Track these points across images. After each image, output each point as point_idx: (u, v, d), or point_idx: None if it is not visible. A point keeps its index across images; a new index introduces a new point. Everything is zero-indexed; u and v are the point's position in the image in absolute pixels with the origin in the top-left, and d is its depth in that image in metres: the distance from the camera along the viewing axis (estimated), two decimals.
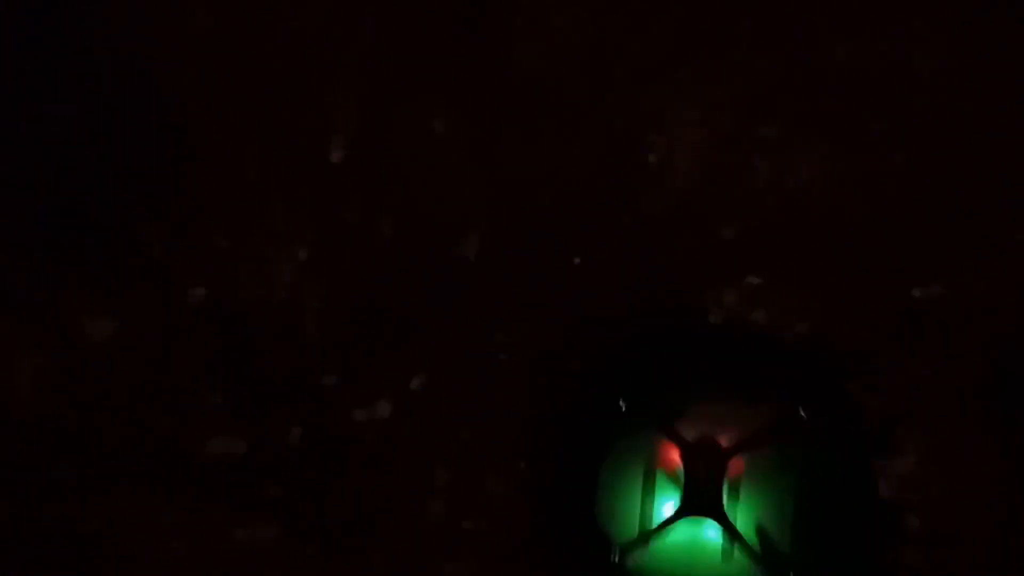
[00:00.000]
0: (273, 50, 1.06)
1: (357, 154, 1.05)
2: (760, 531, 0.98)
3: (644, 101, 1.05)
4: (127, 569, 1.03)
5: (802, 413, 0.97)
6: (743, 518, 0.97)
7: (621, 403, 0.98)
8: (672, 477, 0.99)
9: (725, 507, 0.97)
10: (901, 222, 1.02)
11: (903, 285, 1.03)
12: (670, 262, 1.02)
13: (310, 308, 1.04)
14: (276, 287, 1.04)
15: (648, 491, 0.99)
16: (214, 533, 1.03)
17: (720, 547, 0.98)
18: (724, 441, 0.98)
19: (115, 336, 1.03)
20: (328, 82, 1.05)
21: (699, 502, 0.97)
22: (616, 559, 0.97)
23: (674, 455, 0.99)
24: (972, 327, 1.01)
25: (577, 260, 1.02)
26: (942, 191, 1.04)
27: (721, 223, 1.02)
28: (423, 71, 1.05)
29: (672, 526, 0.98)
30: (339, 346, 1.03)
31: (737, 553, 0.98)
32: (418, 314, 1.03)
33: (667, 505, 0.98)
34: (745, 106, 1.04)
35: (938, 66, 1.03)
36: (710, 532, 0.98)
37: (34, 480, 1.04)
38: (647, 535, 0.97)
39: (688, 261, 1.03)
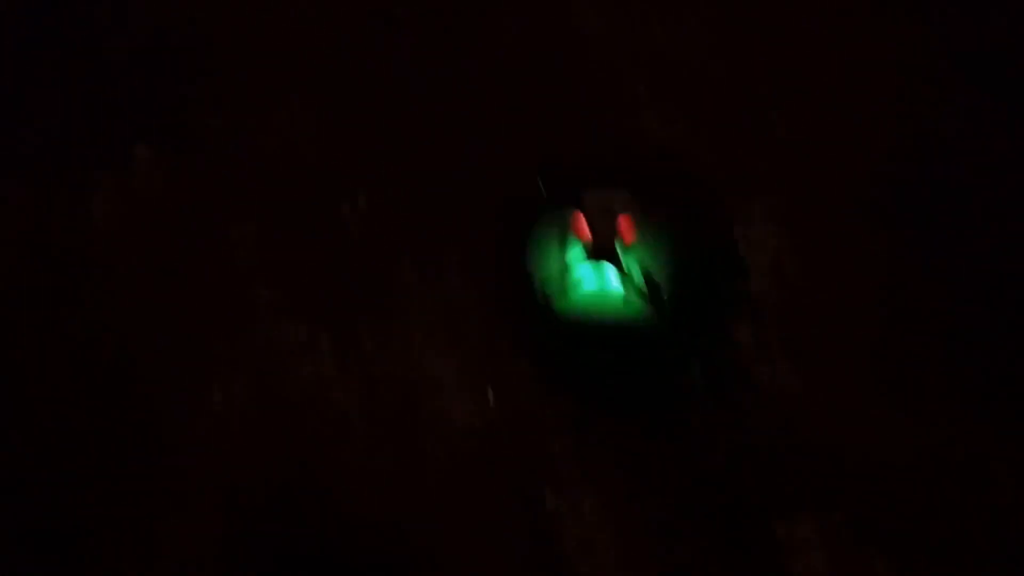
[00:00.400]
0: None
1: None
2: (646, 276, 1.28)
3: None
4: None
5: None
6: (632, 266, 1.27)
7: (540, 185, 1.29)
8: (581, 238, 1.29)
9: (619, 256, 1.27)
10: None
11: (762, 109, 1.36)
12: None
13: None
14: None
15: (564, 250, 1.29)
16: None
17: (621, 295, 1.28)
18: (618, 207, 1.28)
19: None
20: None
21: (600, 252, 1.27)
22: (543, 302, 1.27)
23: (581, 220, 1.28)
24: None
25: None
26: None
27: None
28: None
29: (583, 280, 1.27)
30: None
31: (632, 296, 1.27)
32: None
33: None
34: None
35: None
36: (613, 283, 1.28)
37: None
38: (563, 278, 1.27)
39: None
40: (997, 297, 1.26)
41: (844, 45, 1.40)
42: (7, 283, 1.30)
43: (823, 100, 1.37)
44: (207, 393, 1.23)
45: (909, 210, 1.31)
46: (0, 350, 1.27)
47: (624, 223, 1.27)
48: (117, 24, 1.45)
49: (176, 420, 1.22)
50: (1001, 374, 1.23)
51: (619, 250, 1.27)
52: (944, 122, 1.35)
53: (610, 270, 1.28)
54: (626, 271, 1.27)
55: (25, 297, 1.30)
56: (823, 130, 1.35)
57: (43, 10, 1.44)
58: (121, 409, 1.23)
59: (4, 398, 1.24)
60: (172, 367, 1.25)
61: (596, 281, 1.28)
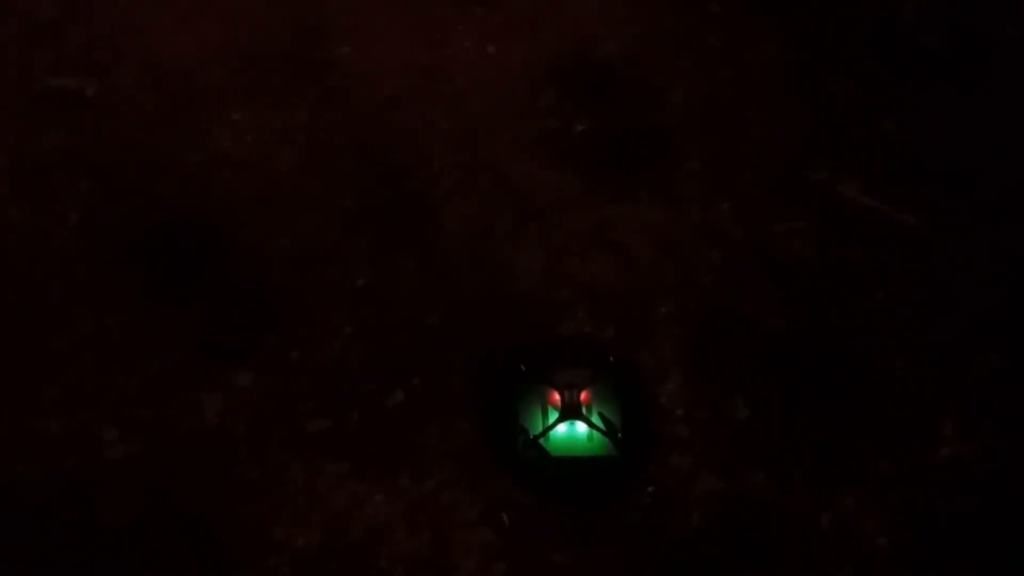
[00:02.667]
0: None
1: None
2: (604, 422, 1.86)
3: None
4: None
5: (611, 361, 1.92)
6: (594, 417, 1.86)
7: (521, 367, 1.91)
8: (554, 405, 1.88)
9: (584, 414, 1.86)
10: None
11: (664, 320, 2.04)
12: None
13: None
14: None
15: (543, 413, 1.87)
16: None
17: (585, 435, 1.85)
18: (579, 381, 1.90)
19: None
20: None
21: (570, 413, 1.86)
22: (526, 444, 1.83)
23: (554, 393, 1.89)
24: None
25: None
26: None
27: None
28: None
29: (557, 427, 1.85)
30: None
31: (595, 436, 1.85)
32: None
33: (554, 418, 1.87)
34: None
35: None
36: (579, 429, 1.86)
37: None
38: (543, 431, 1.84)
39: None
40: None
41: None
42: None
43: (712, 287, 2.05)
44: None
45: (802, 360, 1.96)
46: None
47: (585, 392, 1.88)
48: None
49: None
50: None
51: (583, 409, 1.87)
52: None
53: (577, 422, 1.86)
54: (589, 421, 1.86)
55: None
56: (712, 312, 2.02)
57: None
58: None
59: None
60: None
61: (568, 429, 1.86)
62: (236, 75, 2.29)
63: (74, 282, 1.99)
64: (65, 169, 2.12)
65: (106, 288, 1.99)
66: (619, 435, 1.86)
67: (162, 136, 2.19)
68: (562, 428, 1.86)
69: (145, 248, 2.04)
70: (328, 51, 2.37)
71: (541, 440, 1.85)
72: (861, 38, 2.41)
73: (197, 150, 2.18)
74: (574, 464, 1.83)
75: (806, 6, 2.47)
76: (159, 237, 2.06)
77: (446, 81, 2.34)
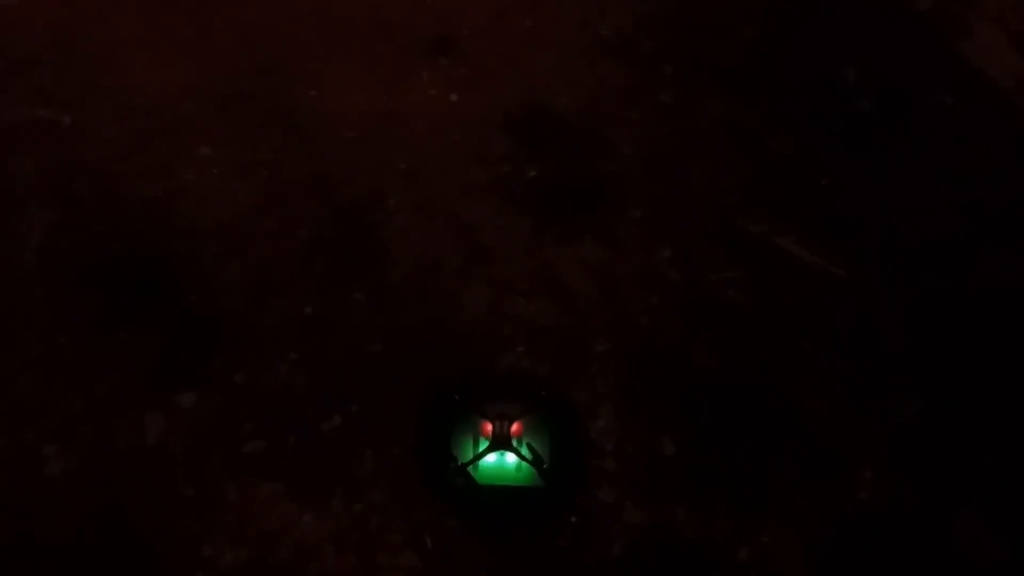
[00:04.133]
0: None
1: None
2: (533, 453, 1.91)
3: None
4: None
5: (543, 396, 1.98)
6: (523, 449, 1.92)
7: (455, 397, 1.97)
8: (486, 435, 1.94)
9: (514, 445, 1.92)
10: None
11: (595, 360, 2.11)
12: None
13: None
14: None
15: (474, 442, 1.93)
16: None
17: (514, 465, 1.91)
18: (511, 413, 1.96)
19: None
20: None
21: (499, 443, 1.92)
22: (455, 471, 1.88)
23: (486, 423, 1.94)
24: None
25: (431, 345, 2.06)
26: None
27: None
28: None
29: (486, 456, 1.90)
30: None
31: (523, 467, 1.90)
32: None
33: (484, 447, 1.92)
34: None
35: None
36: (508, 459, 1.91)
37: None
38: (473, 459, 1.89)
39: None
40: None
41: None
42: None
43: (648, 329, 2.12)
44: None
45: (730, 400, 2.02)
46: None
47: (516, 424, 1.94)
48: None
49: None
50: None
51: (513, 440, 1.93)
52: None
53: (507, 453, 1.91)
54: (518, 452, 1.91)
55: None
56: (645, 352, 2.09)
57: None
58: None
59: None
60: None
61: (497, 458, 1.91)
62: (206, 113, 2.40)
63: (30, 303, 2.06)
64: (33, 194, 2.21)
65: (61, 309, 2.06)
66: (546, 466, 1.91)
67: (130, 167, 2.29)
68: (492, 458, 1.91)
69: (102, 272, 2.12)
70: (296, 94, 2.48)
71: (470, 468, 1.90)
72: (803, 100, 2.53)
73: (162, 181, 2.28)
74: (501, 492, 1.88)
75: (754, 70, 2.61)
76: (117, 262, 2.14)
77: (407, 125, 2.46)
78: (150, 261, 2.16)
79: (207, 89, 2.43)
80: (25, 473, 1.86)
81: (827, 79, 2.58)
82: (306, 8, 2.60)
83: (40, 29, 2.44)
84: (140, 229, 2.21)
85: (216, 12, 2.55)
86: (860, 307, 2.17)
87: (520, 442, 1.94)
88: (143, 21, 2.49)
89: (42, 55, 2.41)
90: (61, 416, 1.93)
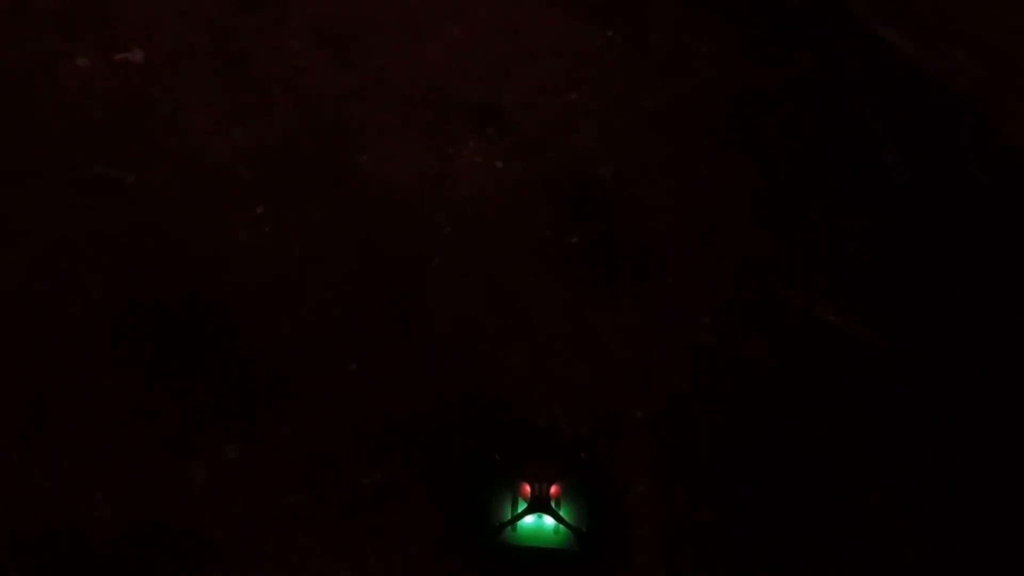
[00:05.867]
0: None
1: None
2: (572, 517, 1.92)
3: None
4: None
5: (583, 458, 2.00)
6: (562, 512, 1.93)
7: (495, 456, 1.99)
8: (524, 496, 1.96)
9: (552, 507, 1.93)
10: None
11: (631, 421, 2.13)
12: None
13: None
14: None
15: (512, 503, 1.94)
16: None
17: (552, 528, 1.92)
18: (550, 475, 1.97)
19: None
20: None
21: (538, 505, 1.93)
22: (493, 531, 1.89)
23: (525, 485, 1.96)
24: None
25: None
26: None
27: None
28: None
29: (525, 518, 1.92)
30: None
31: (561, 529, 1.91)
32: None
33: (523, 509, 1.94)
34: None
35: None
36: (547, 521, 1.92)
37: None
38: (511, 519, 1.91)
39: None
40: None
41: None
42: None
43: (686, 395, 2.14)
44: None
45: (767, 469, 2.02)
46: None
47: (555, 486, 1.96)
48: None
49: None
50: None
51: (552, 502, 1.94)
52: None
53: (545, 515, 1.93)
54: (557, 515, 1.93)
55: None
56: (683, 418, 2.11)
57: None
58: None
59: None
60: None
61: (535, 520, 1.93)
62: (262, 175, 2.51)
63: (85, 350, 2.14)
64: (95, 248, 2.32)
65: (114, 358, 2.13)
66: (584, 531, 1.91)
67: (187, 224, 2.39)
68: (530, 519, 1.93)
69: (155, 324, 2.20)
70: (348, 158, 2.58)
71: (508, 529, 1.91)
72: (842, 175, 2.58)
73: (217, 237, 2.37)
74: (538, 554, 1.89)
75: (793, 146, 2.66)
76: (170, 314, 2.22)
77: (453, 190, 2.54)
78: (201, 314, 2.24)
79: (265, 153, 2.54)
80: (75, 517, 1.92)
81: (866, 156, 2.62)
82: (361, 79, 2.72)
83: (115, 93, 2.58)
84: (194, 283, 2.29)
85: (278, 81, 2.68)
86: (898, 381, 2.17)
87: (559, 504, 1.95)
88: (209, 88, 2.63)
89: (114, 118, 2.54)
90: (110, 463, 1.99)
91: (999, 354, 2.24)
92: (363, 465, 2.01)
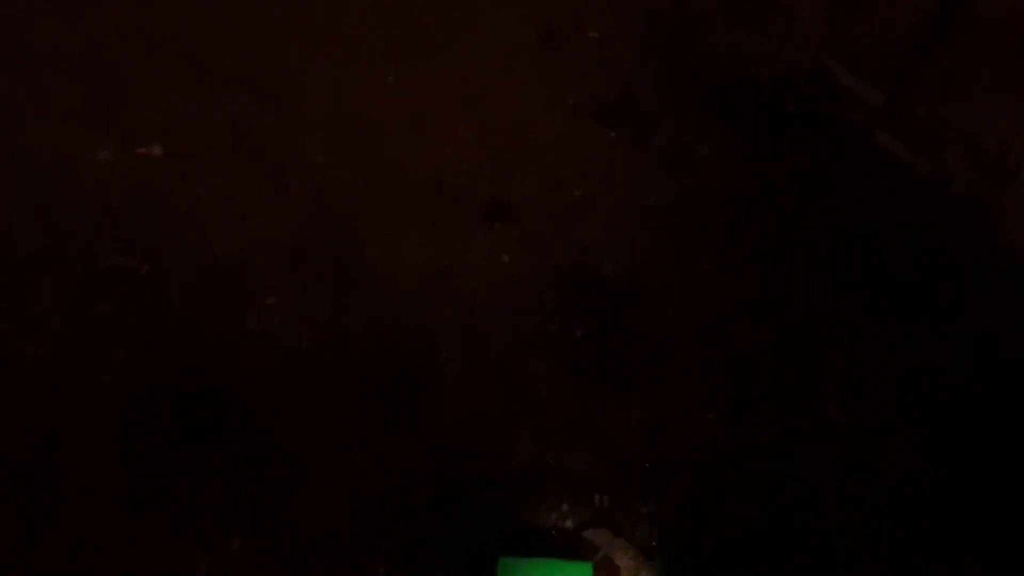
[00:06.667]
0: None
1: None
2: None
3: None
4: None
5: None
6: None
7: (500, 558, 1.98)
8: None
9: None
10: None
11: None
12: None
13: None
14: None
15: None
16: None
17: None
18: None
19: None
20: None
21: None
22: None
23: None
24: None
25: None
26: None
27: None
28: None
29: None
30: None
31: None
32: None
33: None
34: None
35: None
36: None
37: None
38: None
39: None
40: None
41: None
42: None
43: (691, 486, 2.14)
44: None
45: (769, 554, 2.01)
46: None
47: None
48: None
49: None
50: None
51: None
52: None
53: None
54: None
55: None
56: (689, 509, 2.10)
57: None
58: None
59: None
60: None
61: None
62: (274, 265, 2.56)
63: (96, 436, 2.15)
64: (108, 336, 2.35)
65: (124, 445, 2.14)
66: None
67: (198, 313, 2.43)
68: None
69: (165, 411, 2.21)
70: (359, 250, 2.64)
71: None
72: (842, 271, 2.64)
73: (228, 328, 2.41)
74: None
75: (793, 240, 2.73)
76: (180, 402, 2.24)
77: (461, 283, 2.59)
78: (210, 404, 2.26)
79: (277, 243, 2.60)
80: None
81: (864, 252, 2.68)
82: (373, 173, 2.81)
83: (134, 186, 2.66)
84: (203, 373, 2.32)
85: (292, 174, 2.76)
86: (898, 472, 2.18)
87: None
88: (225, 181, 2.71)
89: (132, 209, 2.61)
90: (117, 548, 1.98)
91: (999, 443, 2.26)
92: (367, 556, 1.99)
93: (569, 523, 2.09)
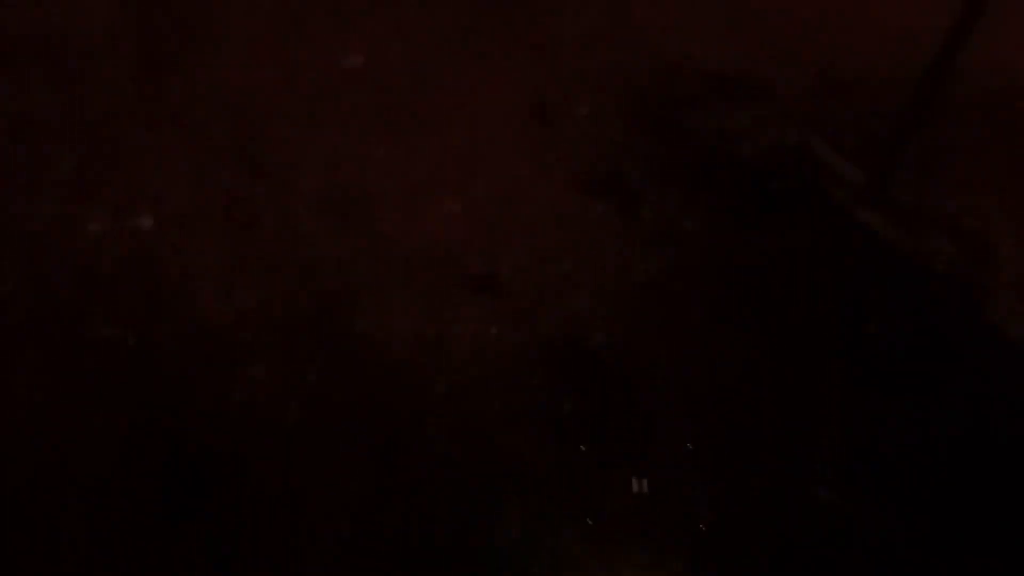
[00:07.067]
0: None
1: None
2: None
3: None
4: None
5: None
6: None
7: None
8: None
9: None
10: None
11: None
12: None
13: None
14: None
15: None
16: None
17: None
18: None
19: None
20: None
21: None
22: None
23: None
24: None
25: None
26: None
27: None
28: None
29: None
30: None
31: None
32: None
33: None
34: None
35: None
36: None
37: None
38: None
39: None
40: None
41: None
42: None
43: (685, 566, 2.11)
44: None
45: None
46: None
47: None
48: None
49: None
50: None
51: None
52: None
53: None
54: None
55: None
56: None
57: None
58: None
59: None
60: None
61: None
62: (262, 337, 2.56)
63: (84, 504, 2.12)
64: (93, 405, 2.33)
65: (112, 512, 2.11)
66: None
67: (184, 385, 2.42)
68: None
69: (148, 483, 2.19)
70: (348, 321, 2.65)
71: None
72: (827, 346, 2.65)
73: (214, 399, 2.39)
74: None
75: (781, 318, 2.75)
76: (163, 474, 2.21)
77: (449, 354, 2.59)
78: (195, 476, 2.23)
79: (266, 315, 2.60)
80: None
81: (849, 328, 2.71)
82: (364, 244, 2.83)
83: (125, 256, 2.67)
84: (190, 443, 2.30)
85: (283, 245, 2.78)
86: (885, 553, 2.17)
87: None
88: (216, 252, 2.73)
89: (122, 280, 2.62)
90: None
91: (988, 520, 2.25)
92: None
93: None
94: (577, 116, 3.29)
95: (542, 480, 2.30)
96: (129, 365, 2.44)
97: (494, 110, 3.27)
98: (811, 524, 2.24)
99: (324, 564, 2.08)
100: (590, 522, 2.22)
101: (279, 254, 2.76)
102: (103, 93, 3.11)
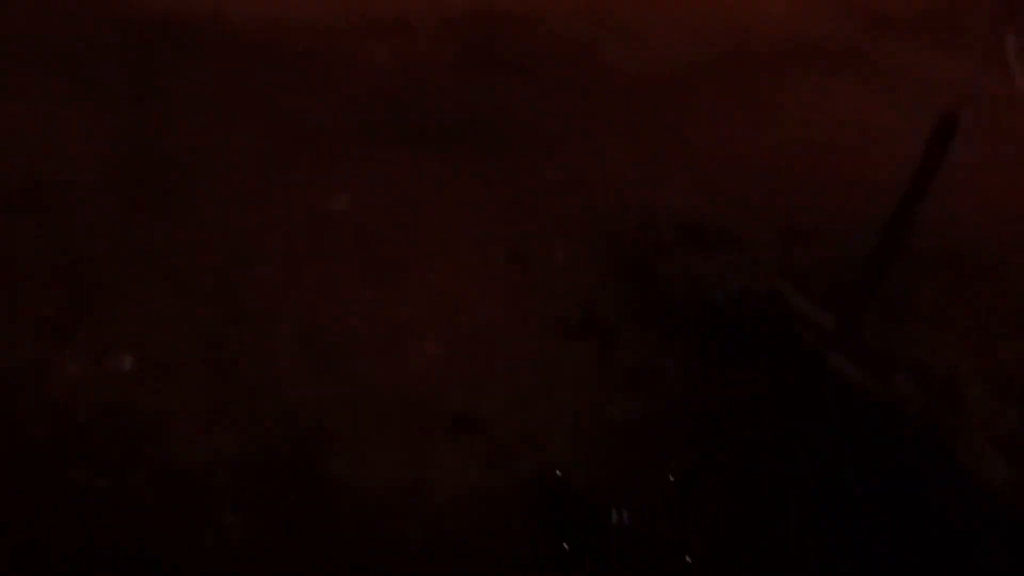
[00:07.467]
0: None
1: None
2: None
3: None
4: None
5: None
6: None
7: None
8: None
9: None
10: None
11: None
12: None
13: None
14: None
15: None
16: None
17: None
18: None
19: None
20: None
21: None
22: None
23: None
24: None
25: None
26: None
27: None
28: None
29: None
30: None
31: None
32: None
33: None
34: None
35: None
36: None
37: None
38: None
39: None
40: None
41: None
42: None
43: None
44: None
45: None
46: None
47: None
48: None
49: None
50: None
51: None
52: None
53: None
54: None
55: None
56: None
57: None
58: None
59: None
60: None
61: None
62: (236, 482, 2.52)
63: None
64: (59, 550, 2.26)
65: None
66: None
67: (153, 530, 2.36)
68: None
69: None
70: (324, 465, 2.62)
71: None
72: (803, 493, 2.66)
73: (183, 546, 2.33)
74: None
75: (755, 459, 2.76)
76: None
77: (427, 498, 2.56)
78: None
79: (242, 459, 2.58)
80: None
81: (824, 475, 2.72)
82: (342, 386, 2.84)
83: (101, 400, 2.66)
84: None
85: (262, 388, 2.78)
86: None
87: None
88: (194, 395, 2.72)
89: (97, 423, 2.59)
90: None
91: None
92: None
93: None
94: (554, 261, 3.39)
95: None
96: (97, 508, 2.38)
97: (474, 255, 3.37)
98: None
99: None
100: None
101: (257, 398, 2.76)
102: (89, 238, 3.17)
